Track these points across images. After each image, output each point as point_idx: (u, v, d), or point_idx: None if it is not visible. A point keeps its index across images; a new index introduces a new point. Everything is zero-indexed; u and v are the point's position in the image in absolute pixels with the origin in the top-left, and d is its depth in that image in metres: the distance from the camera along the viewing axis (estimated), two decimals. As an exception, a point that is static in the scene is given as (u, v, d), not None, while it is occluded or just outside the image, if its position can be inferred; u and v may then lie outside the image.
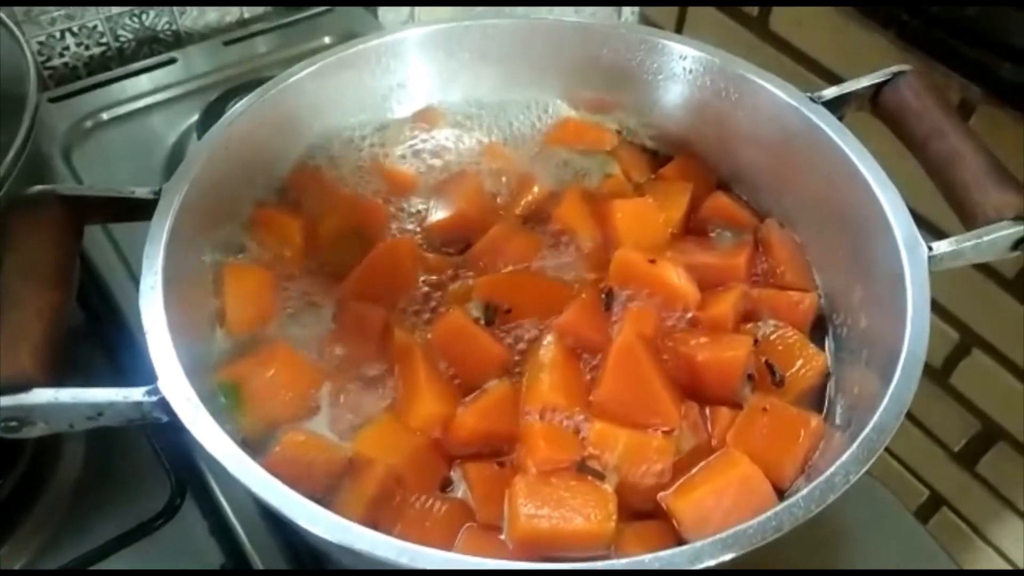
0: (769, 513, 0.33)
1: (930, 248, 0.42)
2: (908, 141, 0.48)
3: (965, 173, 0.45)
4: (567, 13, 1.17)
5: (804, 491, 0.33)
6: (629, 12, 1.30)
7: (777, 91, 0.49)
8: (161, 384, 0.36)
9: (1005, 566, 1.16)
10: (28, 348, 0.36)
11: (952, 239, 0.43)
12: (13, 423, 0.35)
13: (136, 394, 0.36)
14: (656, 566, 0.31)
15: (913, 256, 0.41)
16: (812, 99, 0.49)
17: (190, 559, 0.50)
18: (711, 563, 0.31)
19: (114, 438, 0.54)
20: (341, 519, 0.33)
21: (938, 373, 1.13)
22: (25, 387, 0.35)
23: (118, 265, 0.61)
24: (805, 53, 1.08)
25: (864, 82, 0.50)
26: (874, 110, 0.50)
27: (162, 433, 0.54)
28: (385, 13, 1.01)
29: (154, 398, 0.36)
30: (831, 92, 0.49)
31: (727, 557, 0.31)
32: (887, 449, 1.13)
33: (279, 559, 0.49)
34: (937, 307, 1.06)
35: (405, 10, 1.03)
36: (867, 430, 0.35)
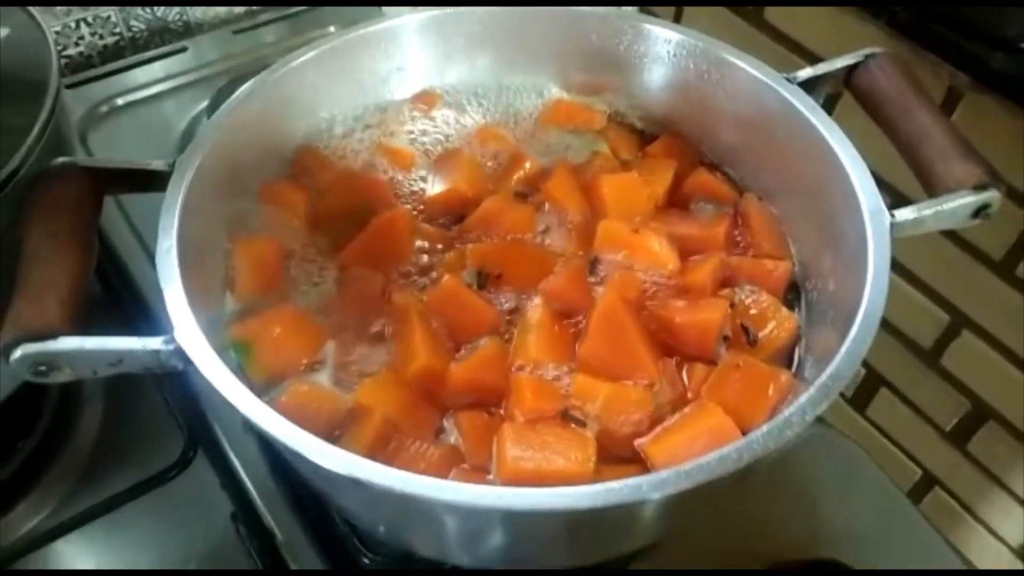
0: (730, 447, 0.36)
1: (892, 215, 0.45)
2: (879, 119, 0.51)
3: (931, 148, 0.48)
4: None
5: (764, 428, 0.36)
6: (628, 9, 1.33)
7: (755, 72, 0.52)
8: (177, 334, 0.39)
9: (996, 544, 1.18)
10: (55, 300, 0.39)
11: (914, 207, 0.45)
12: (42, 368, 0.38)
13: (155, 343, 0.39)
14: (626, 492, 0.35)
15: (876, 223, 0.44)
16: (788, 79, 0.52)
17: (201, 510, 0.54)
18: (672, 491, 0.34)
19: (131, 396, 0.58)
20: (345, 452, 0.36)
21: (929, 354, 1.16)
22: (53, 335, 0.38)
23: (132, 241, 0.65)
24: (798, 42, 1.10)
25: (838, 63, 0.52)
26: (848, 90, 0.53)
27: (176, 391, 0.58)
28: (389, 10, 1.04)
29: (171, 346, 0.39)
30: (806, 73, 0.52)
31: (688, 485, 0.34)
32: (880, 429, 1.15)
33: (285, 510, 0.53)
34: (928, 289, 1.09)
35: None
36: (823, 377, 0.38)
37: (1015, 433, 1.09)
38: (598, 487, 0.35)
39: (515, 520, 0.38)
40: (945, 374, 1.16)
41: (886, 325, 1.28)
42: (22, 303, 0.39)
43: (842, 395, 1.30)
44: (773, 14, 1.13)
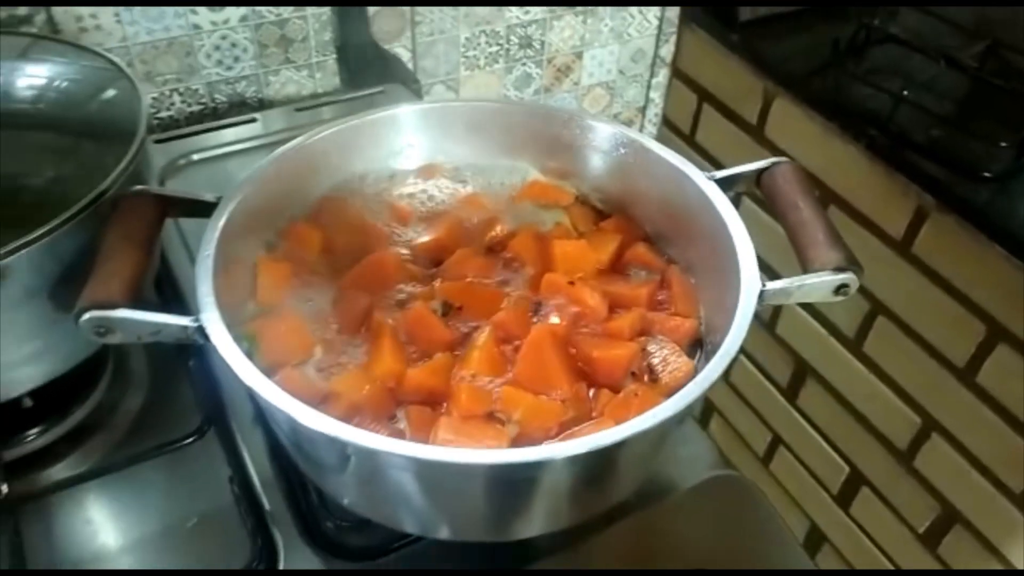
0: (597, 435, 0.48)
1: (764, 284, 0.56)
2: (775, 212, 0.62)
3: (807, 236, 0.59)
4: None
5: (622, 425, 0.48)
6: (652, 115, 1.49)
7: (681, 167, 0.65)
8: (202, 316, 0.53)
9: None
10: (119, 283, 0.53)
11: (784, 280, 0.57)
12: (101, 329, 0.52)
13: (184, 320, 0.53)
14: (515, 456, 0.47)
15: (750, 288, 0.56)
16: (708, 176, 0.65)
17: (207, 476, 0.66)
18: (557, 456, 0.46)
19: (167, 387, 0.72)
20: (326, 416, 0.48)
21: (904, 455, 1.23)
22: (113, 306, 0.52)
23: (186, 262, 0.80)
24: (793, 156, 1.24)
25: (750, 167, 0.65)
26: (758, 188, 0.65)
27: (200, 383, 0.72)
28: (432, 89, 1.22)
29: (196, 324, 0.52)
30: (721, 173, 0.65)
31: (569, 453, 0.46)
32: (861, 527, 1.23)
33: (275, 487, 0.65)
34: (903, 394, 1.17)
35: (450, 95, 1.24)
36: (679, 394, 0.50)
37: (980, 538, 1.15)
38: (492, 451, 0.47)
39: (429, 473, 0.50)
40: (918, 476, 1.23)
41: (865, 424, 1.37)
42: (94, 282, 0.53)
43: (828, 492, 1.37)
44: (772, 132, 1.28)
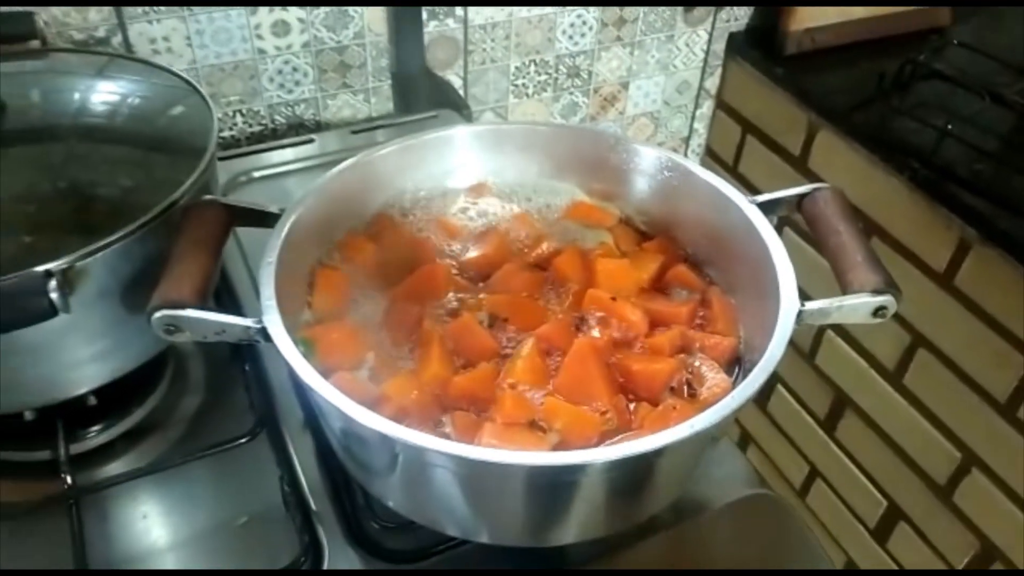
0: (634, 443, 0.49)
1: (803, 304, 0.58)
2: (816, 236, 0.64)
3: (846, 259, 0.61)
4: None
5: (657, 434, 0.50)
6: (696, 145, 1.51)
7: (723, 191, 0.67)
8: (264, 317, 0.56)
9: None
10: (188, 284, 0.57)
11: (822, 300, 0.59)
12: (171, 327, 0.56)
13: (248, 321, 0.56)
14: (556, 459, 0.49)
15: (788, 308, 0.58)
16: (750, 200, 0.67)
17: (257, 476, 0.69)
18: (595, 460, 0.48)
19: (223, 392, 0.75)
20: (377, 415, 0.51)
21: (943, 490, 1.22)
22: (182, 306, 0.55)
23: (244, 272, 0.84)
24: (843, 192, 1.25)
25: (791, 192, 0.66)
26: (799, 213, 0.67)
27: (255, 388, 0.75)
28: (482, 115, 1.25)
29: (258, 325, 0.56)
30: (763, 197, 0.67)
31: (607, 458, 0.48)
32: (896, 561, 1.22)
33: (321, 489, 0.68)
34: (943, 427, 1.17)
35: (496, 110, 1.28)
36: (716, 406, 0.51)
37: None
38: (534, 453, 0.49)
39: (472, 473, 0.52)
40: (957, 511, 1.21)
41: (904, 458, 1.37)
42: (166, 283, 0.57)
43: (864, 527, 1.36)
44: (815, 163, 1.29)
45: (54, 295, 0.55)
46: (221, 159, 1.03)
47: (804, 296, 0.58)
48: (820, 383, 1.38)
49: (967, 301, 1.09)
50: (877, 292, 0.58)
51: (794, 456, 1.49)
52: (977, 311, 1.08)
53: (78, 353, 0.65)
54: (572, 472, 0.51)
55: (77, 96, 0.80)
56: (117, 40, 0.98)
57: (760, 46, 1.34)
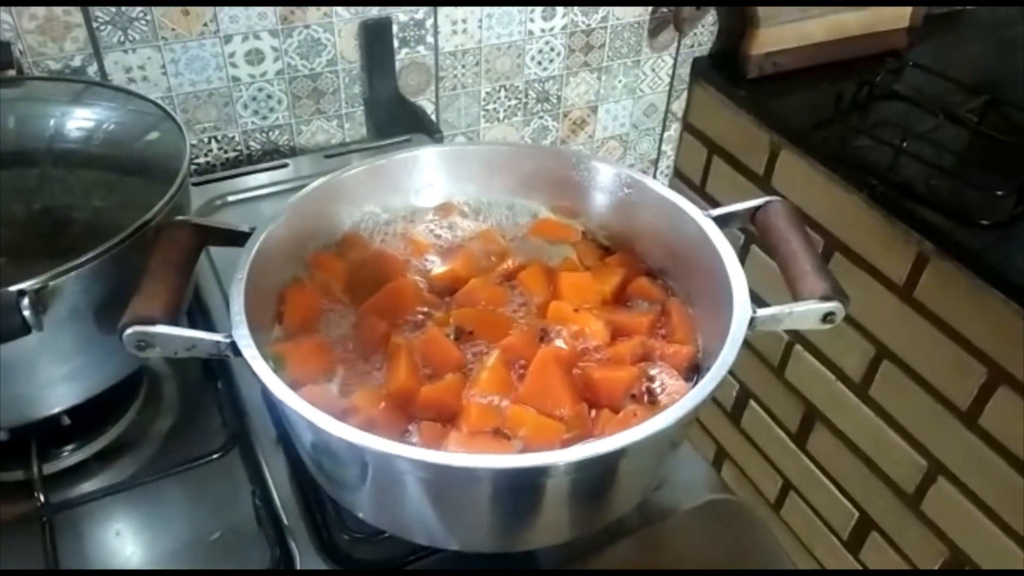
0: (593, 444, 0.51)
1: (755, 311, 0.60)
2: (767, 246, 0.67)
3: (797, 268, 0.63)
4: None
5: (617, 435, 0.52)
6: (664, 167, 1.55)
7: (681, 206, 0.70)
8: (234, 333, 0.58)
9: None
10: (159, 302, 0.58)
11: (774, 307, 0.61)
12: (142, 343, 0.57)
13: (217, 336, 0.57)
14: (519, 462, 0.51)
15: (741, 315, 0.60)
16: (705, 214, 0.69)
17: (230, 491, 0.70)
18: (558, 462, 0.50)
19: (196, 411, 0.77)
20: (345, 425, 0.53)
21: (911, 499, 1.25)
22: (152, 322, 0.57)
23: (216, 291, 0.86)
24: (797, 206, 1.28)
25: (745, 206, 0.69)
26: (753, 225, 0.70)
27: (228, 405, 0.76)
28: (453, 140, 1.28)
29: (228, 340, 0.57)
30: (718, 210, 0.69)
31: (569, 459, 0.50)
32: (869, 570, 1.24)
33: (293, 502, 0.69)
34: (909, 437, 1.19)
35: (468, 134, 1.30)
36: (672, 407, 0.54)
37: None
38: (498, 456, 0.51)
39: (438, 478, 0.53)
40: (926, 519, 1.24)
41: (873, 468, 1.40)
42: (138, 301, 0.58)
43: (838, 537, 1.38)
44: (779, 182, 1.32)
45: (27, 312, 0.57)
46: (196, 184, 1.05)
47: (764, 304, 0.61)
48: (790, 397, 1.40)
49: (927, 312, 1.12)
50: (825, 298, 0.60)
51: (768, 470, 1.51)
52: (937, 322, 1.11)
53: (51, 373, 0.66)
54: (536, 474, 0.53)
55: (52, 122, 0.82)
56: (93, 69, 1.00)
57: (723, 70, 1.38)
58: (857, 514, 1.35)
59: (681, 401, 0.54)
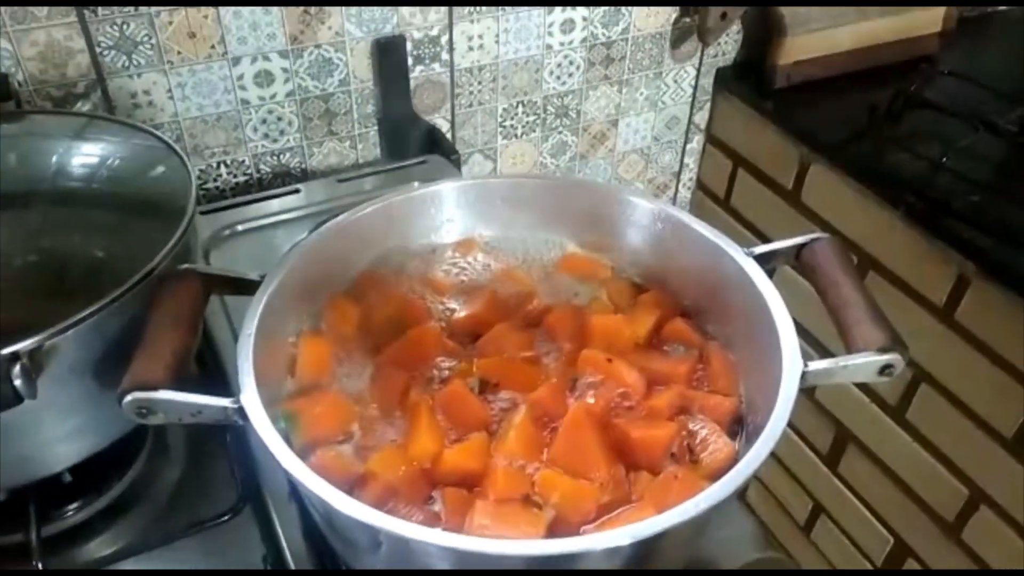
0: (635, 526, 0.47)
1: (806, 365, 0.56)
2: (816, 289, 0.62)
3: (849, 314, 0.58)
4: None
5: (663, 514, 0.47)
6: (687, 180, 1.50)
7: (718, 243, 0.65)
8: (242, 397, 0.53)
9: None
10: (161, 364, 0.54)
11: (828, 360, 0.56)
12: (143, 410, 0.53)
13: (225, 401, 0.53)
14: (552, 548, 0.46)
15: (791, 369, 0.55)
16: (746, 253, 0.64)
17: (241, 552, 0.66)
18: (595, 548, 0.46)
19: (204, 464, 0.72)
20: (358, 503, 0.48)
21: (951, 527, 1.19)
22: (155, 388, 0.53)
23: (228, 332, 0.81)
24: (829, 223, 1.23)
25: (788, 243, 0.64)
26: (797, 264, 0.65)
27: (240, 461, 0.72)
28: (469, 168, 1.24)
29: (236, 406, 0.53)
30: (760, 248, 0.64)
31: (608, 545, 0.46)
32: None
33: (308, 559, 0.65)
34: (949, 464, 1.14)
35: (488, 163, 1.26)
36: (721, 481, 0.49)
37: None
38: (527, 542, 0.46)
39: (464, 562, 0.49)
40: (966, 548, 1.18)
41: (910, 494, 1.34)
42: (138, 362, 0.54)
43: (871, 563, 1.33)
44: (809, 197, 1.27)
45: (18, 382, 0.52)
46: (204, 212, 1.00)
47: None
48: (822, 419, 1.35)
49: (969, 336, 1.07)
50: (883, 350, 0.55)
51: (798, 492, 1.46)
52: (979, 346, 1.06)
53: (51, 432, 0.62)
54: (567, 560, 0.48)
55: (55, 159, 0.78)
56: (96, 96, 0.96)
57: (748, 80, 1.33)
58: (892, 540, 1.30)
59: (731, 474, 0.49)
